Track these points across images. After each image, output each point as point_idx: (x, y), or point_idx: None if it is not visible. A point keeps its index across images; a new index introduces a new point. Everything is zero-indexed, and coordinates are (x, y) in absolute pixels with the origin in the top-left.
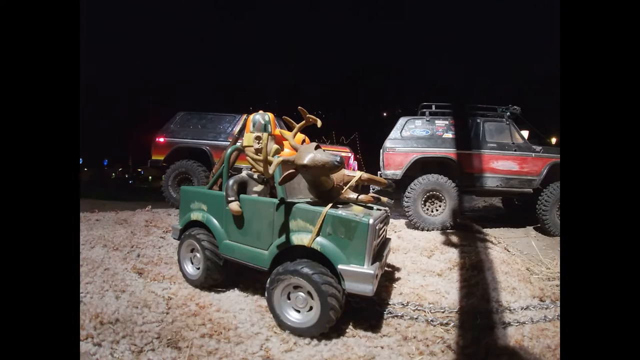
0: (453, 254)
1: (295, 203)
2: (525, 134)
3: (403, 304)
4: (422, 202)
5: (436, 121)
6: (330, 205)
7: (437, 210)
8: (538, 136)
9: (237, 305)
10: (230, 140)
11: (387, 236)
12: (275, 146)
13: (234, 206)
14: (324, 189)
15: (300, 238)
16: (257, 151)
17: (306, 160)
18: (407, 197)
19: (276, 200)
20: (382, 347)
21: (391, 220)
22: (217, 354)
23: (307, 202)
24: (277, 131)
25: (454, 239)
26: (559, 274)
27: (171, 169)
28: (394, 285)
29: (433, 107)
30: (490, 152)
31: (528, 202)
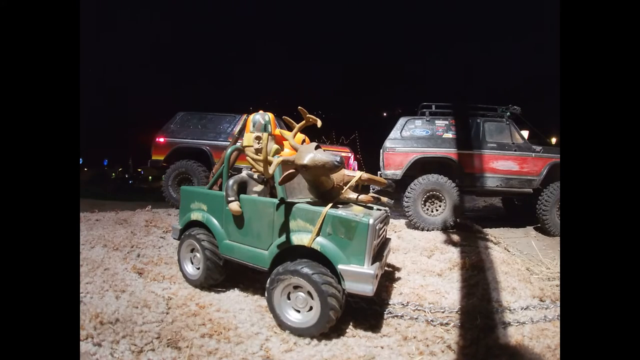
0: (453, 254)
1: (295, 203)
2: (525, 134)
3: (403, 304)
4: (422, 202)
5: (436, 121)
6: (330, 205)
7: (437, 210)
8: (538, 136)
9: (237, 305)
10: (230, 140)
11: (387, 236)
12: (275, 146)
13: (234, 206)
14: (324, 189)
15: (300, 238)
16: (257, 151)
17: (306, 160)
18: (407, 197)
19: (276, 200)
20: (382, 347)
21: (391, 220)
22: (217, 354)
23: (307, 202)
24: (277, 131)
25: (454, 239)
26: (559, 274)
27: (171, 169)
28: (394, 285)
29: (433, 107)
30: (490, 152)
31: (528, 202)
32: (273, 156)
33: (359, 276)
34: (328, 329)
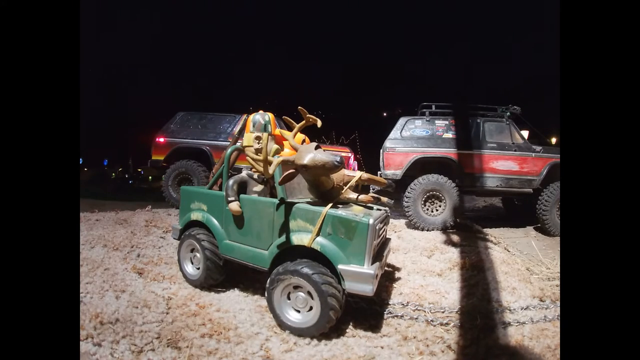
0: (453, 254)
1: (295, 203)
2: (525, 134)
3: (403, 304)
4: (422, 202)
5: (436, 121)
6: (330, 205)
7: (437, 210)
8: (538, 136)
9: (237, 305)
10: (230, 140)
11: (387, 236)
12: (275, 146)
13: (234, 206)
14: (324, 189)
15: (300, 238)
16: (257, 151)
17: (306, 160)
18: (407, 197)
19: (276, 200)
20: (382, 347)
21: (391, 220)
22: (217, 354)
23: (307, 202)
24: (277, 131)
25: (454, 239)
26: (559, 274)
27: (171, 169)
28: (394, 285)
29: (433, 107)
30: (490, 152)
31: (528, 202)
32: (273, 156)
33: (359, 276)
34: (328, 329)
